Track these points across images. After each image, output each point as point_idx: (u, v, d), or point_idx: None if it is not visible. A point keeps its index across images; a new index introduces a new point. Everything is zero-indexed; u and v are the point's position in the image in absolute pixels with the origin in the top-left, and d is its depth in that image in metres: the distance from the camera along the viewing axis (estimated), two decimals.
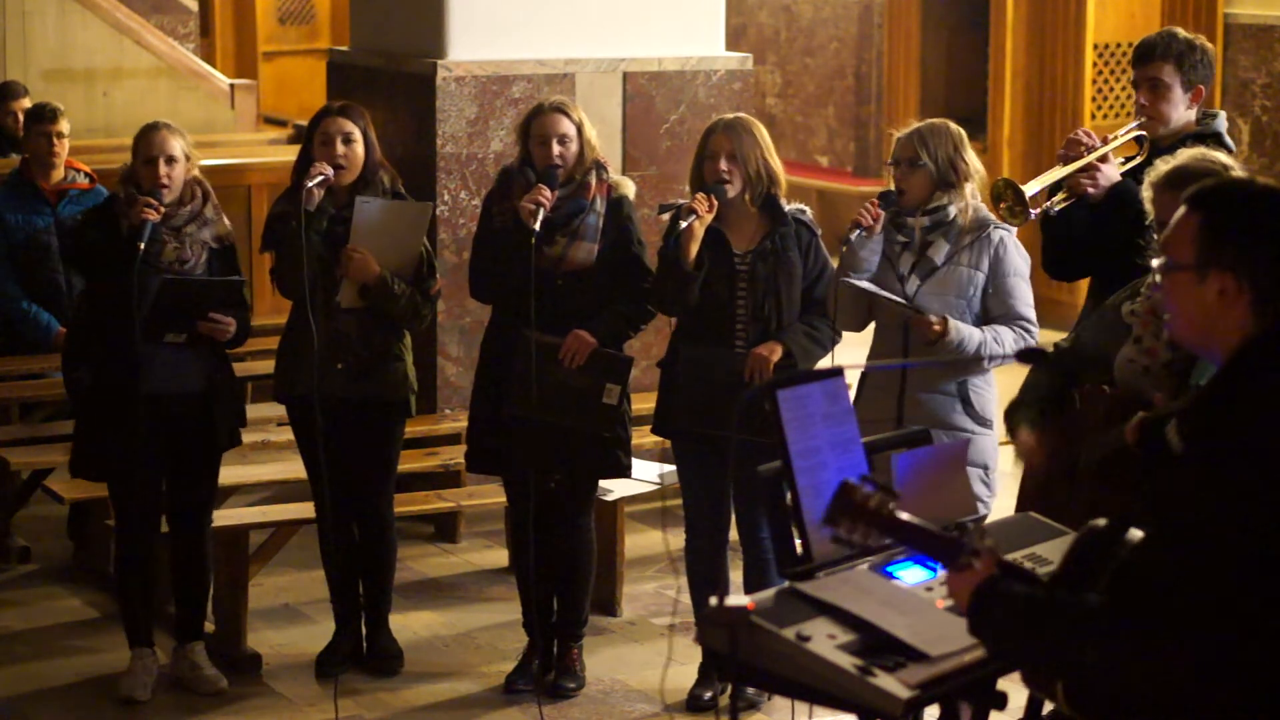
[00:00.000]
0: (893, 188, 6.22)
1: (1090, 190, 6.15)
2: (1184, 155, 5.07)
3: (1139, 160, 6.21)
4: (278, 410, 7.24)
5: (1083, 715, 3.41)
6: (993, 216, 6.17)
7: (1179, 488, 3.16)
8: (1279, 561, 3.08)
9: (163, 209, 6.33)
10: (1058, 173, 6.22)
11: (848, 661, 3.68)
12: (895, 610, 3.84)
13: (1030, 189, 6.15)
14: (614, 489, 7.20)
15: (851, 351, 6.68)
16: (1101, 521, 3.52)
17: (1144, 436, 3.89)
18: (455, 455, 7.65)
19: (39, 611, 7.39)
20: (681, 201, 6.45)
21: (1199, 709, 3.16)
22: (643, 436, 7.12)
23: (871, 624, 3.79)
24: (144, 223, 6.27)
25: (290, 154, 8.66)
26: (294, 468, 7.24)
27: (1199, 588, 3.10)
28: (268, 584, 7.44)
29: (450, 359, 8.29)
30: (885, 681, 3.64)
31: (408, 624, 7.14)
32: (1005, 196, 6.15)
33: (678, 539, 6.70)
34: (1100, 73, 12.16)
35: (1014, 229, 6.19)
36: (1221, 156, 5.06)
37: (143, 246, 6.22)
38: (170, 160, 6.40)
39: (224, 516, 6.91)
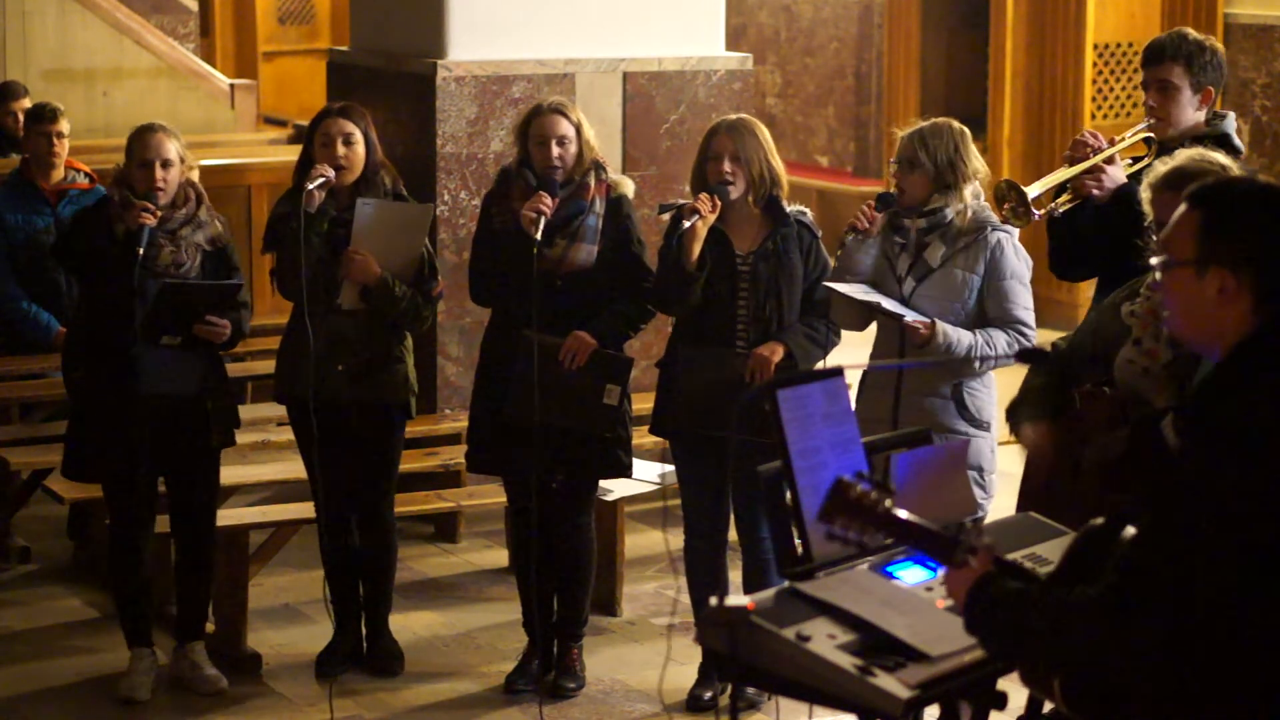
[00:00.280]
0: (893, 187, 6.22)
1: (1095, 192, 6.12)
2: (1182, 155, 5.07)
3: (1146, 162, 6.18)
4: (278, 410, 7.24)
5: (1079, 714, 3.42)
6: (994, 218, 6.15)
7: (1176, 483, 3.16)
8: (1275, 558, 3.09)
9: (159, 213, 6.33)
10: (1063, 174, 6.19)
11: (848, 661, 3.68)
12: (895, 610, 3.84)
13: (1034, 190, 6.13)
14: (614, 489, 7.20)
15: (853, 351, 6.68)
16: (1100, 520, 3.53)
17: (1141, 433, 3.90)
18: (455, 455, 7.65)
19: (39, 611, 7.39)
20: (681, 201, 6.45)
21: (1194, 705, 3.16)
22: (643, 436, 7.12)
23: (871, 624, 3.79)
24: (141, 228, 6.27)
25: (290, 154, 8.68)
26: (294, 468, 7.24)
27: (1195, 584, 3.10)
28: (268, 584, 7.44)
29: (450, 359, 8.29)
30: (885, 681, 3.64)
31: (408, 624, 7.14)
32: (1009, 198, 6.13)
33: (678, 539, 6.70)
34: (1100, 73, 12.15)
35: (1015, 231, 6.17)
36: (1220, 157, 5.05)
37: (141, 252, 6.22)
38: (166, 164, 6.38)
39: (224, 516, 6.90)
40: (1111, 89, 12.18)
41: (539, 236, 6.26)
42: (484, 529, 8.23)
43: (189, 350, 6.40)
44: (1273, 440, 3.09)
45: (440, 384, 8.26)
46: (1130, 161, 6.25)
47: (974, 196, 6.15)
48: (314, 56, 15.51)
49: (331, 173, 6.45)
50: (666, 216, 6.46)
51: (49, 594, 7.58)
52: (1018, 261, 6.14)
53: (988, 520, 5.84)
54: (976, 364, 6.06)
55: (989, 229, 6.12)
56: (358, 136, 6.55)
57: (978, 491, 6.03)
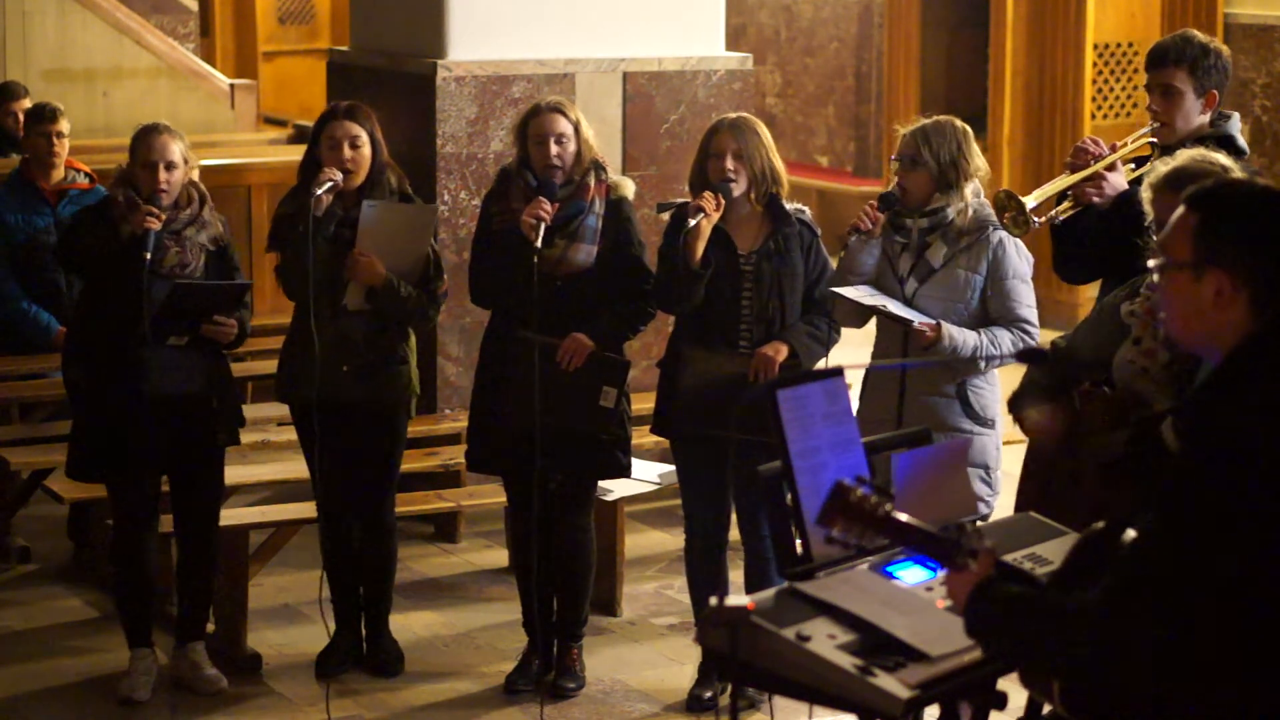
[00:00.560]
0: (894, 185, 6.21)
1: (1096, 199, 6.07)
2: (1183, 156, 5.06)
3: (1149, 166, 6.14)
4: (278, 410, 7.24)
5: (1078, 717, 3.42)
6: (994, 217, 6.14)
7: (1175, 485, 3.16)
8: (1274, 559, 3.09)
9: (163, 216, 6.33)
10: (1064, 181, 6.15)
11: (848, 661, 3.68)
12: (895, 610, 3.84)
13: (1032, 200, 6.08)
14: (614, 489, 7.19)
15: (853, 351, 6.68)
16: (1100, 524, 3.53)
17: (1141, 435, 3.90)
18: (455, 455, 7.65)
19: (39, 611, 7.39)
20: (681, 200, 6.44)
21: (1193, 708, 3.17)
22: (643, 436, 7.12)
23: (871, 624, 3.79)
24: (147, 231, 6.26)
25: (290, 154, 8.69)
26: (294, 468, 7.23)
27: (1194, 586, 3.10)
28: (268, 584, 7.44)
29: (450, 359, 8.29)
30: (885, 681, 3.64)
31: (408, 624, 7.14)
32: (1009, 207, 6.09)
33: (678, 539, 6.69)
34: (1100, 73, 12.16)
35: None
36: (1220, 157, 5.03)
37: (149, 256, 6.21)
38: (170, 166, 6.37)
39: (224, 516, 6.89)
40: (1111, 89, 12.18)
41: (539, 243, 6.25)
42: (484, 529, 8.23)
43: (194, 349, 6.41)
44: (1271, 442, 3.09)
45: (440, 384, 8.26)
46: (1133, 166, 6.21)
47: (974, 195, 6.15)
48: (314, 56, 15.52)
49: (339, 177, 6.43)
50: (666, 216, 6.45)
51: (49, 594, 7.58)
52: (1020, 260, 6.14)
53: (993, 518, 5.85)
54: (981, 364, 6.06)
55: (990, 228, 6.12)
56: (364, 139, 6.53)
57: (984, 489, 6.04)
